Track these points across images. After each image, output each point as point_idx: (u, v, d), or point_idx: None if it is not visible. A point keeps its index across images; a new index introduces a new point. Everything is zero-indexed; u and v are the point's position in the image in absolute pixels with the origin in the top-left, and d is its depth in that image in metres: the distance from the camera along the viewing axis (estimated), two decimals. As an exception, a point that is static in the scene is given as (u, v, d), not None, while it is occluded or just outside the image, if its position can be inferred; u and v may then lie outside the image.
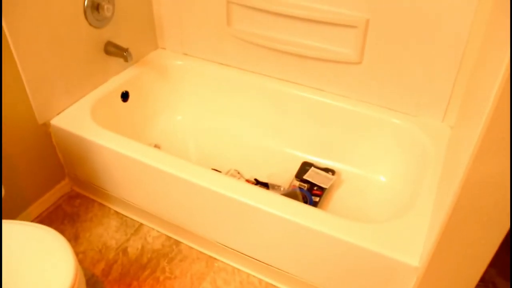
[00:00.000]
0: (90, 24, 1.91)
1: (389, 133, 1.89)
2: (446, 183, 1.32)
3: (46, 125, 1.88)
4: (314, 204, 1.85)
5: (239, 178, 2.02)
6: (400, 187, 1.85)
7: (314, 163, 2.05)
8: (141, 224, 1.94)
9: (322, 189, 1.92)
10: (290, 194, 1.86)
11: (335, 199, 1.93)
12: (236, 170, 2.05)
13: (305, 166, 2.02)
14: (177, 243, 1.86)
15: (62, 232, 1.91)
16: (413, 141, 1.82)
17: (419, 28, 1.66)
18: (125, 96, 2.12)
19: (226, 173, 2.03)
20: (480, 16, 1.54)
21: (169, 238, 1.88)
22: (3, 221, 1.45)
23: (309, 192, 1.90)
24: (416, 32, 1.68)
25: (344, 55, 1.85)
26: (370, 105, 1.92)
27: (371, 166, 1.99)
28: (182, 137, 2.25)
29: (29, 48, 1.69)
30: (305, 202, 1.85)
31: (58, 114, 1.90)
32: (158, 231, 1.91)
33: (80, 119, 1.88)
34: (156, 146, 2.17)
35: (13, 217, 1.88)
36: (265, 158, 2.12)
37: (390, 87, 1.85)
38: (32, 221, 1.95)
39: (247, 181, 2.00)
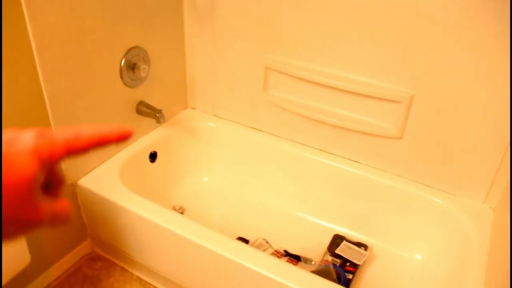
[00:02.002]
0: (125, 84, 1.88)
1: (427, 211, 1.83)
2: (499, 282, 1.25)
3: (73, 185, 1.82)
4: (348, 282, 1.77)
5: (267, 248, 1.94)
6: (438, 268, 1.78)
7: (346, 236, 1.98)
8: (165, 293, 1.85)
9: (355, 266, 1.84)
10: (324, 271, 1.78)
11: (368, 276, 1.85)
12: (264, 239, 1.98)
13: (337, 239, 1.95)
14: (202, 316, 1.78)
15: (81, 298, 1.82)
16: (453, 221, 1.76)
17: (465, 107, 1.63)
18: (153, 157, 2.07)
19: (254, 242, 1.96)
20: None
21: (194, 310, 1.79)
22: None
23: (342, 268, 1.83)
24: (461, 110, 1.64)
25: (384, 129, 1.81)
26: (408, 180, 1.87)
27: (406, 244, 1.92)
28: (208, 200, 2.19)
29: (64, 105, 1.65)
30: (339, 279, 1.77)
31: (86, 174, 1.85)
32: (182, 302, 1.82)
33: (107, 180, 1.82)
34: (181, 208, 2.11)
35: (33, 278, 1.79)
36: (294, 228, 2.05)
37: (430, 164, 1.80)
38: (51, 283, 1.86)
39: (276, 251, 1.93)
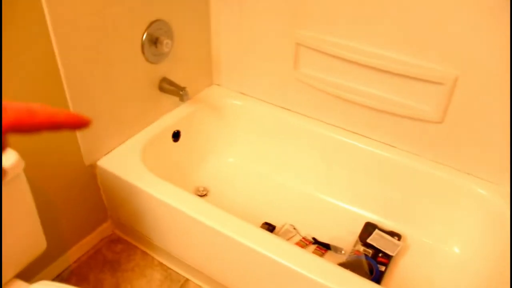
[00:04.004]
0: (147, 60, 1.78)
1: (467, 200, 1.70)
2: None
3: (93, 166, 1.74)
4: (381, 274, 1.67)
5: (294, 235, 1.85)
6: (477, 262, 1.66)
7: (378, 224, 1.86)
8: (187, 280, 1.78)
9: (388, 257, 1.73)
10: (355, 262, 1.68)
11: (401, 268, 1.74)
12: (291, 225, 1.88)
13: (368, 227, 1.84)
14: (226, 305, 1.70)
15: (101, 282, 1.76)
16: (496, 213, 1.63)
17: (516, 91, 1.48)
18: (176, 136, 1.97)
19: (280, 228, 1.86)
20: None
21: (217, 299, 1.72)
22: (39, 283, 1.31)
23: (374, 259, 1.72)
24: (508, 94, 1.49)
25: (423, 112, 1.67)
26: (447, 167, 1.73)
27: (442, 235, 1.79)
28: (233, 182, 2.09)
29: (82, 84, 1.56)
30: (371, 271, 1.66)
31: (106, 154, 1.76)
32: (205, 290, 1.75)
33: (128, 161, 1.74)
34: (204, 189, 2.02)
35: (51, 260, 1.74)
36: (323, 214, 1.95)
37: (472, 151, 1.66)
38: (70, 265, 1.81)
39: (304, 239, 1.83)
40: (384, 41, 1.64)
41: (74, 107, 1.56)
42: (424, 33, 1.54)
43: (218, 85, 2.19)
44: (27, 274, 1.64)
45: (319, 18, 1.73)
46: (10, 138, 1.35)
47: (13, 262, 1.33)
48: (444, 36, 1.51)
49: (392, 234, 1.81)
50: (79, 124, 0.42)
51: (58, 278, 1.76)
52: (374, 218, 1.90)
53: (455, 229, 1.76)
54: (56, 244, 1.74)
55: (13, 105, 0.39)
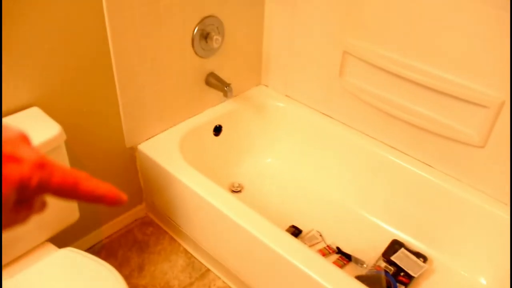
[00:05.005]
0: (196, 53, 1.84)
1: (502, 233, 1.63)
2: None
3: (133, 149, 1.83)
4: (398, 294, 1.64)
5: (319, 242, 1.85)
6: (503, 297, 1.59)
7: (405, 243, 1.83)
8: (208, 270, 1.82)
9: (409, 277, 1.70)
10: (373, 277, 1.66)
11: (423, 291, 1.70)
12: (318, 232, 1.88)
13: (395, 245, 1.81)
14: (241, 300, 1.73)
15: (128, 260, 1.84)
16: (529, 249, 1.56)
17: None
18: (218, 130, 2.03)
19: (307, 233, 1.87)
20: None
21: (233, 293, 1.75)
22: (66, 249, 1.40)
23: (394, 277, 1.69)
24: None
25: (465, 135, 1.62)
26: (485, 196, 1.67)
27: (471, 263, 1.73)
28: (268, 181, 2.12)
29: (131, 70, 1.64)
30: (389, 289, 1.64)
31: (147, 139, 1.84)
32: (224, 282, 1.78)
33: (167, 149, 1.80)
34: (239, 186, 2.06)
35: (84, 234, 1.84)
36: (351, 225, 1.93)
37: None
38: (102, 240, 1.90)
39: (328, 247, 1.83)
40: (433, 59, 1.61)
41: (121, 89, 1.64)
42: (474, 55, 1.50)
43: (265, 85, 2.22)
44: (61, 242, 1.74)
45: (370, 30, 1.72)
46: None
47: (45, 227, 1.43)
48: (494, 60, 1.47)
49: (418, 255, 1.77)
50: (116, 202, 0.43)
51: (90, 250, 1.86)
52: (402, 237, 1.87)
53: (485, 259, 1.70)
54: (92, 219, 1.83)
55: (62, 170, 0.40)
